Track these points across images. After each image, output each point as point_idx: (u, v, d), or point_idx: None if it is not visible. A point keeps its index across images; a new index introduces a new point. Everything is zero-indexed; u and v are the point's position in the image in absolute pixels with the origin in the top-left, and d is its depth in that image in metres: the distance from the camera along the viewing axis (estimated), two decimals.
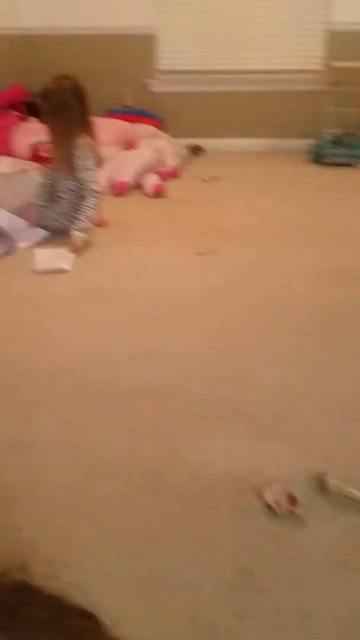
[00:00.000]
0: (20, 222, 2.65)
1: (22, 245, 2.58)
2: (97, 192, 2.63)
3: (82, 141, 2.57)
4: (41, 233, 2.67)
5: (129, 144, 3.79)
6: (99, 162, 2.73)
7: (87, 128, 2.62)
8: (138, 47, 4.48)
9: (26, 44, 4.46)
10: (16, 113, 3.89)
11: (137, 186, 3.45)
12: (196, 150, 4.39)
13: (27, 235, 2.64)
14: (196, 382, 1.62)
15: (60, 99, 2.52)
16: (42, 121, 2.69)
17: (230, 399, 1.53)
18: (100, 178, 2.73)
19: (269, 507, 1.15)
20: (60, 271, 2.35)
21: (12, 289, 2.20)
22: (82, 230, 2.56)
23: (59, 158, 2.66)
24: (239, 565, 1.04)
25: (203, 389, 1.58)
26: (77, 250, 2.52)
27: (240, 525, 1.12)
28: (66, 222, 2.71)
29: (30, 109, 3.92)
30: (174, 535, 1.10)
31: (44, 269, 2.35)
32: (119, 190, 3.35)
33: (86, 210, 2.60)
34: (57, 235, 2.67)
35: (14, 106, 3.94)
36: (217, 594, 1.00)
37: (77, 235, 2.55)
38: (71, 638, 0.39)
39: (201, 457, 1.31)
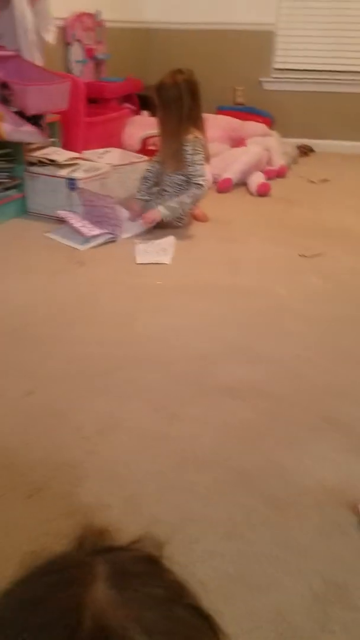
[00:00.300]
0: (124, 214, 2.72)
1: (124, 236, 2.65)
2: (202, 187, 2.64)
3: (192, 136, 2.58)
4: (142, 226, 2.72)
5: (237, 141, 3.77)
6: (207, 158, 2.74)
7: (198, 123, 2.63)
8: (255, 43, 4.44)
9: (145, 38, 4.58)
10: (129, 105, 4.00)
11: (242, 184, 3.43)
12: (305, 151, 4.29)
13: (129, 227, 2.70)
14: (291, 385, 1.58)
15: (173, 93, 2.54)
16: (154, 114, 2.72)
17: (328, 408, 1.48)
18: (207, 174, 2.74)
19: None
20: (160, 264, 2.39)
21: (114, 278, 2.26)
22: (167, 210, 2.60)
23: (166, 152, 2.70)
24: (327, 577, 1.00)
25: (298, 394, 1.54)
26: (147, 223, 2.60)
27: (331, 538, 1.08)
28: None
29: (143, 102, 4.02)
30: (260, 537, 1.08)
31: (144, 262, 2.40)
32: (223, 186, 3.35)
33: (184, 198, 2.62)
34: (159, 227, 2.72)
35: (127, 99, 4.05)
36: (303, 603, 0.97)
37: (159, 210, 2.60)
38: (178, 628, 0.38)
39: (293, 463, 1.28)
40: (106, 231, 2.61)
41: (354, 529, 1.09)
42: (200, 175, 2.62)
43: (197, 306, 2.04)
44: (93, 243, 2.57)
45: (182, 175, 2.67)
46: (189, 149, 2.59)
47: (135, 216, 2.73)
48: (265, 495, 1.18)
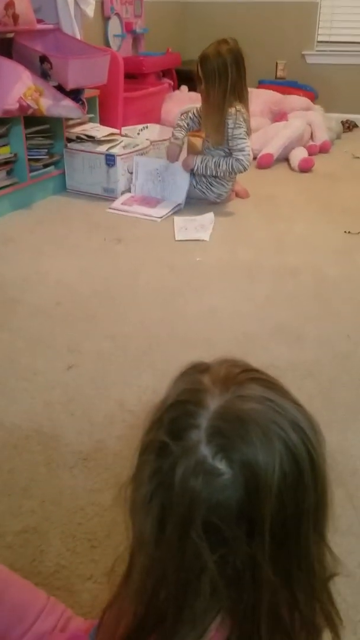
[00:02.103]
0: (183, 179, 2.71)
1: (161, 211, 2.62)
2: (242, 161, 2.56)
3: (234, 109, 2.51)
4: (182, 199, 2.68)
5: (278, 116, 3.66)
6: (248, 132, 2.66)
7: (242, 96, 2.55)
8: (298, 15, 4.29)
9: (183, 11, 4.48)
10: (168, 80, 3.93)
11: (283, 159, 3.33)
12: (349, 126, 4.15)
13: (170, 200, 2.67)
14: (339, 367, 1.53)
15: (218, 65, 2.45)
16: (195, 88, 2.64)
17: None
18: (248, 148, 2.66)
19: None
20: (199, 240, 2.35)
21: (153, 255, 2.23)
22: (202, 163, 2.59)
23: (209, 125, 2.63)
24: None
25: (345, 375, 1.49)
26: (183, 165, 2.63)
27: None
28: (208, 192, 2.70)
29: (182, 77, 3.93)
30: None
31: (183, 239, 2.37)
32: (263, 162, 3.26)
33: (222, 164, 2.57)
34: (198, 204, 2.67)
35: (166, 73, 3.98)
36: (355, 584, 0.94)
37: (194, 160, 2.60)
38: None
39: (343, 445, 1.24)
40: (170, 205, 2.64)
41: None
42: (241, 150, 2.55)
43: (239, 285, 1.99)
44: (166, 210, 2.62)
45: (223, 150, 2.61)
46: (230, 122, 2.52)
47: (172, 160, 2.69)
48: (327, 462, 1.15)
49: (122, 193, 2.76)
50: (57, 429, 1.28)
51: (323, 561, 0.51)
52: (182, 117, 2.74)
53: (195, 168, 2.60)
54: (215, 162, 2.58)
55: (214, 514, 0.44)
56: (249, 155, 2.59)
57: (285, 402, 0.49)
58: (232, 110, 2.50)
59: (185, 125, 2.71)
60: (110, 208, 2.67)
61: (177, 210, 2.64)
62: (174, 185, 2.70)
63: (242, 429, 0.45)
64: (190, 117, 2.73)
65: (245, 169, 2.59)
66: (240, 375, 0.50)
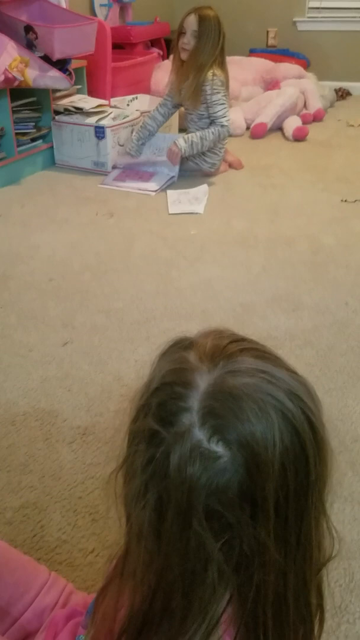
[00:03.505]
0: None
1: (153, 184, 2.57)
2: (226, 127, 2.51)
3: (211, 74, 2.44)
4: (175, 170, 2.63)
5: (271, 84, 3.58)
6: (228, 97, 2.60)
7: (223, 63, 2.49)
8: None
9: None
10: (157, 50, 3.82)
11: (277, 128, 3.27)
12: (343, 94, 4.07)
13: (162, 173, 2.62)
14: (337, 334, 1.51)
15: (214, 24, 2.41)
16: (179, 43, 2.54)
17: None
18: (232, 114, 2.60)
19: None
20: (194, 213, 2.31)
21: (146, 228, 2.19)
22: (187, 143, 2.51)
23: (188, 86, 2.54)
24: None
25: (344, 343, 1.48)
26: (172, 160, 2.56)
27: None
28: (201, 162, 2.64)
29: (170, 47, 3.83)
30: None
31: (177, 212, 2.32)
32: (257, 132, 3.20)
33: (207, 134, 2.51)
34: (191, 176, 2.62)
35: (154, 43, 3.87)
36: (357, 550, 0.94)
37: (178, 144, 2.52)
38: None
39: (343, 412, 1.23)
40: (164, 177, 2.58)
41: None
42: (223, 116, 2.49)
43: (235, 256, 1.96)
44: (160, 184, 2.56)
45: (206, 117, 2.55)
46: (207, 88, 2.46)
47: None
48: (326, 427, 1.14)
49: (113, 167, 2.70)
50: (55, 405, 1.26)
51: (321, 542, 0.48)
52: (151, 112, 2.69)
53: (183, 152, 2.53)
54: (200, 136, 2.52)
55: (215, 499, 0.42)
56: (229, 119, 2.53)
57: (278, 370, 0.45)
58: (209, 75, 2.44)
59: (153, 124, 2.66)
60: (102, 184, 2.61)
61: (171, 183, 2.59)
62: (161, 155, 2.64)
63: (236, 406, 0.42)
64: (159, 105, 2.67)
65: (230, 134, 2.55)
66: (228, 346, 0.46)
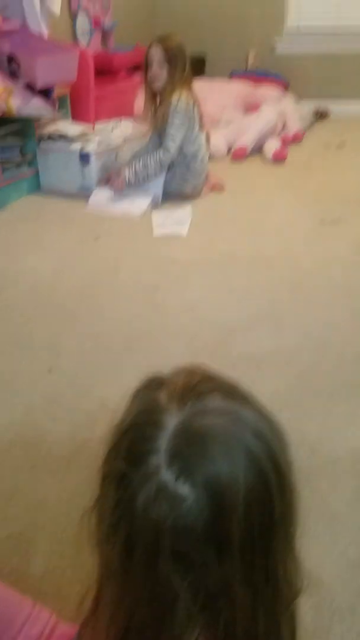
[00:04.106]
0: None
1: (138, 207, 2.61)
2: (168, 153, 2.55)
3: (176, 97, 2.50)
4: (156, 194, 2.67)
5: (251, 107, 3.66)
6: (201, 122, 2.66)
7: (189, 85, 2.56)
8: (266, 4, 4.27)
9: (151, 4, 4.44)
10: (139, 75, 3.89)
11: (258, 150, 3.34)
12: (321, 114, 4.16)
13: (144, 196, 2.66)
14: (317, 354, 1.55)
15: (180, 50, 2.51)
16: (147, 72, 2.62)
17: (356, 375, 1.44)
18: (213, 138, 2.63)
19: None
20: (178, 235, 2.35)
21: (131, 251, 2.23)
22: (132, 174, 2.57)
23: (158, 112, 2.61)
24: None
25: (325, 362, 1.51)
26: (116, 190, 2.62)
27: None
28: (184, 185, 2.69)
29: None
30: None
31: (161, 234, 2.36)
32: (238, 155, 3.26)
33: (149, 161, 2.56)
34: (175, 198, 2.67)
35: (137, 68, 3.95)
36: (339, 572, 0.95)
37: (124, 177, 2.58)
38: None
39: (324, 432, 1.25)
40: (148, 198, 2.62)
41: None
42: (172, 140, 2.53)
43: (217, 277, 2.00)
44: (144, 207, 2.58)
45: (160, 136, 2.63)
46: (170, 109, 2.52)
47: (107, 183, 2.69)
48: (296, 465, 1.16)
49: (97, 185, 2.73)
50: (40, 433, 1.27)
51: (291, 577, 0.49)
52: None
53: (127, 181, 2.59)
54: (143, 164, 2.57)
55: (181, 540, 0.42)
56: (176, 146, 2.55)
57: (246, 410, 0.46)
58: (174, 97, 2.51)
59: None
60: (87, 208, 2.64)
61: (155, 204, 2.63)
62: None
63: (202, 448, 0.43)
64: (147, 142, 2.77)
65: (171, 159, 2.57)
66: (198, 385, 0.47)
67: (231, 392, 0.49)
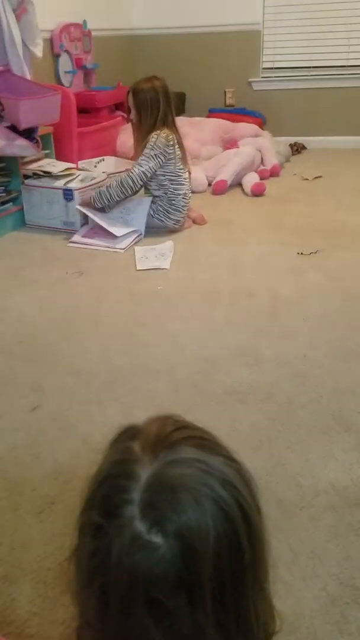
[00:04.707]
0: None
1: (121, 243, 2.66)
2: (130, 176, 2.61)
3: (156, 134, 2.60)
4: (141, 227, 2.73)
5: (229, 143, 3.78)
6: (184, 159, 2.75)
7: (169, 124, 2.66)
8: (242, 44, 4.45)
9: (132, 44, 4.59)
10: (121, 113, 4.01)
11: (237, 185, 3.43)
12: (298, 148, 4.30)
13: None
14: (297, 387, 1.58)
15: (151, 97, 2.60)
16: (129, 117, 2.77)
17: (337, 408, 1.48)
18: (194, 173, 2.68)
19: None
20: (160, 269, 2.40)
21: (114, 286, 2.27)
22: (96, 194, 2.66)
23: (138, 152, 2.71)
24: (343, 580, 1.00)
25: (306, 395, 1.54)
26: (82, 206, 2.71)
27: (346, 541, 1.08)
28: (166, 219, 2.76)
29: None
30: (274, 542, 1.07)
31: (144, 268, 2.41)
32: (218, 188, 3.36)
33: (109, 183, 2.65)
34: (157, 232, 2.73)
35: (118, 106, 4.06)
36: (319, 607, 0.97)
37: (90, 196, 2.68)
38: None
39: (304, 466, 1.28)
40: (132, 234, 2.67)
41: None
42: (138, 164, 2.62)
43: (199, 310, 2.04)
44: (128, 241, 2.63)
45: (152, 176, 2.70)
46: (148, 144, 2.61)
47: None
48: (277, 499, 1.18)
49: (82, 225, 2.79)
50: (23, 473, 1.28)
51: (263, 618, 0.51)
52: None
53: (93, 202, 2.68)
54: (107, 185, 2.67)
55: (154, 588, 0.44)
56: (142, 172, 2.62)
57: (215, 458, 0.48)
58: (154, 134, 2.60)
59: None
60: (70, 242, 2.69)
61: (138, 240, 2.69)
62: (135, 215, 2.75)
63: (173, 498, 0.45)
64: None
65: (134, 183, 2.62)
66: (171, 435, 0.50)
67: (202, 440, 0.51)
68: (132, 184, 2.64)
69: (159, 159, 2.63)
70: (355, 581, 1.00)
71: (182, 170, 2.76)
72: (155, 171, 2.66)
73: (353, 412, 1.45)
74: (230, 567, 0.46)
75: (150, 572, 0.44)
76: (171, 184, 2.73)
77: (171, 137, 2.65)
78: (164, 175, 2.71)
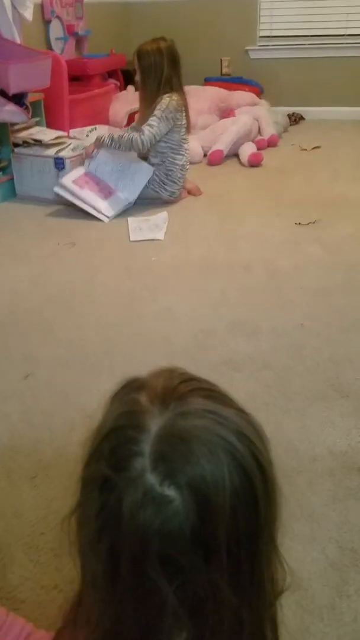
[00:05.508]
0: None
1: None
2: (140, 139, 2.51)
3: (167, 97, 2.52)
4: (133, 197, 2.66)
5: (225, 112, 3.70)
6: (188, 127, 2.68)
7: (176, 89, 2.57)
8: (239, 12, 4.33)
9: (125, 12, 4.46)
10: (114, 81, 3.91)
11: (233, 155, 3.36)
12: (296, 119, 4.22)
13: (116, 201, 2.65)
14: (294, 356, 1.56)
15: (154, 60, 2.50)
16: (134, 80, 2.68)
17: (334, 376, 1.46)
18: (155, 128, 2.52)
19: None
20: (154, 240, 2.35)
21: (107, 257, 2.22)
22: (107, 137, 2.58)
23: (143, 118, 2.63)
24: (342, 543, 0.99)
25: (303, 363, 1.52)
26: (87, 151, 2.66)
27: (344, 505, 1.06)
28: (161, 191, 2.70)
29: (128, 78, 3.92)
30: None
31: (138, 239, 2.36)
32: (214, 159, 3.29)
33: (122, 135, 2.56)
34: (152, 203, 2.67)
35: (111, 74, 3.96)
36: (318, 570, 0.96)
37: (102, 136, 2.61)
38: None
39: (301, 432, 1.26)
40: (121, 203, 2.59)
41: None
42: (149, 126, 2.52)
43: (194, 282, 2.00)
44: (115, 210, 2.55)
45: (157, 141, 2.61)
46: (158, 104, 2.52)
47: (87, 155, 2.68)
48: (275, 465, 1.16)
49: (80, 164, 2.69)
50: (16, 440, 1.26)
51: (274, 575, 0.49)
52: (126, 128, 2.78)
53: (102, 141, 2.59)
54: (119, 136, 2.58)
55: (168, 544, 0.42)
56: (153, 134, 2.52)
57: (227, 410, 0.46)
58: (166, 96, 2.51)
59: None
60: (58, 186, 2.58)
61: (127, 209, 2.62)
62: (132, 181, 2.66)
63: (186, 450, 0.42)
64: (132, 127, 2.78)
65: (143, 145, 2.53)
66: (178, 387, 0.47)
67: (211, 392, 0.48)
68: (141, 146, 2.55)
69: (168, 123, 2.55)
70: (354, 545, 0.99)
71: (185, 140, 2.68)
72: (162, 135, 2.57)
73: (351, 379, 1.43)
74: (246, 522, 0.44)
75: (164, 527, 0.41)
76: (171, 152, 2.65)
77: (181, 103, 2.58)
78: (165, 142, 2.62)
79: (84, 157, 2.68)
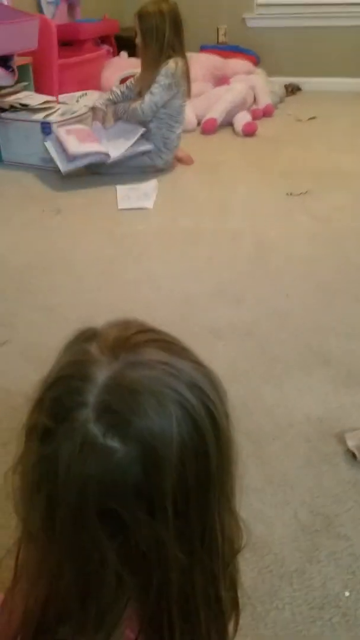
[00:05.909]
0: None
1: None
2: (140, 109, 2.46)
3: (172, 62, 2.43)
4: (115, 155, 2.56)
5: (220, 80, 3.60)
6: (188, 92, 2.60)
7: (179, 54, 2.49)
8: None
9: None
10: (107, 47, 3.80)
11: (228, 124, 3.28)
12: (292, 89, 4.12)
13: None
14: (277, 325, 1.53)
15: (155, 22, 2.41)
16: (135, 42, 2.58)
17: (316, 343, 1.43)
18: (157, 96, 2.48)
19: (350, 453, 1.06)
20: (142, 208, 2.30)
21: (93, 224, 2.18)
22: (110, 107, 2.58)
23: (144, 82, 2.54)
24: (314, 508, 0.98)
25: (284, 332, 1.49)
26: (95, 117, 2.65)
27: (318, 470, 1.05)
28: (156, 159, 2.63)
29: (121, 44, 3.81)
30: (246, 471, 1.04)
31: (126, 207, 2.31)
32: (207, 127, 3.21)
33: (128, 109, 2.52)
34: (142, 171, 2.61)
35: (104, 40, 3.84)
36: (290, 534, 0.94)
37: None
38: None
39: (279, 398, 1.24)
40: (95, 150, 2.48)
41: (341, 460, 1.06)
42: (151, 93, 2.45)
43: (181, 250, 1.96)
44: (77, 163, 2.46)
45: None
46: (162, 71, 2.43)
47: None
48: (250, 430, 1.15)
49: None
50: None
51: (229, 533, 0.47)
52: (120, 84, 2.68)
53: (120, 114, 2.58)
54: (125, 107, 2.55)
55: (109, 497, 0.40)
56: (154, 102, 2.47)
57: (181, 362, 0.44)
58: (170, 61, 2.43)
59: (119, 92, 2.67)
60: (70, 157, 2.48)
61: (98, 161, 2.49)
62: (118, 139, 2.57)
63: (133, 401, 0.41)
64: (127, 86, 2.68)
65: (144, 114, 2.48)
66: (133, 337, 0.45)
67: (168, 344, 0.46)
68: (141, 115, 2.49)
69: (171, 90, 2.47)
70: (326, 509, 0.98)
71: (183, 108, 2.61)
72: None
73: (333, 347, 1.41)
74: (195, 476, 0.42)
75: (104, 479, 0.40)
76: (170, 120, 2.57)
77: (185, 68, 2.49)
78: (165, 109, 2.54)
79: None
